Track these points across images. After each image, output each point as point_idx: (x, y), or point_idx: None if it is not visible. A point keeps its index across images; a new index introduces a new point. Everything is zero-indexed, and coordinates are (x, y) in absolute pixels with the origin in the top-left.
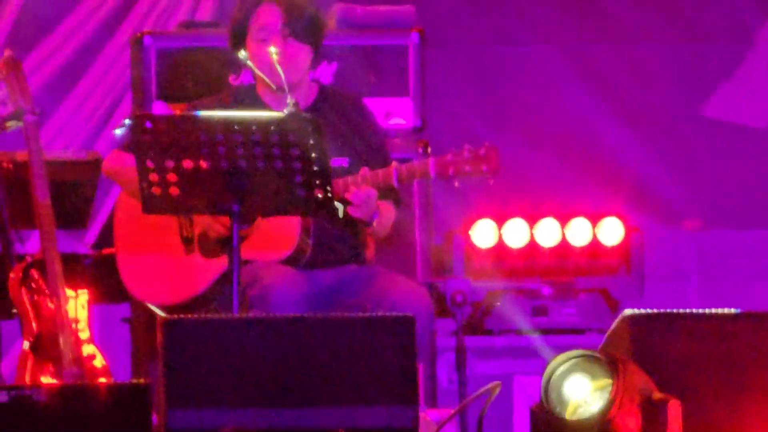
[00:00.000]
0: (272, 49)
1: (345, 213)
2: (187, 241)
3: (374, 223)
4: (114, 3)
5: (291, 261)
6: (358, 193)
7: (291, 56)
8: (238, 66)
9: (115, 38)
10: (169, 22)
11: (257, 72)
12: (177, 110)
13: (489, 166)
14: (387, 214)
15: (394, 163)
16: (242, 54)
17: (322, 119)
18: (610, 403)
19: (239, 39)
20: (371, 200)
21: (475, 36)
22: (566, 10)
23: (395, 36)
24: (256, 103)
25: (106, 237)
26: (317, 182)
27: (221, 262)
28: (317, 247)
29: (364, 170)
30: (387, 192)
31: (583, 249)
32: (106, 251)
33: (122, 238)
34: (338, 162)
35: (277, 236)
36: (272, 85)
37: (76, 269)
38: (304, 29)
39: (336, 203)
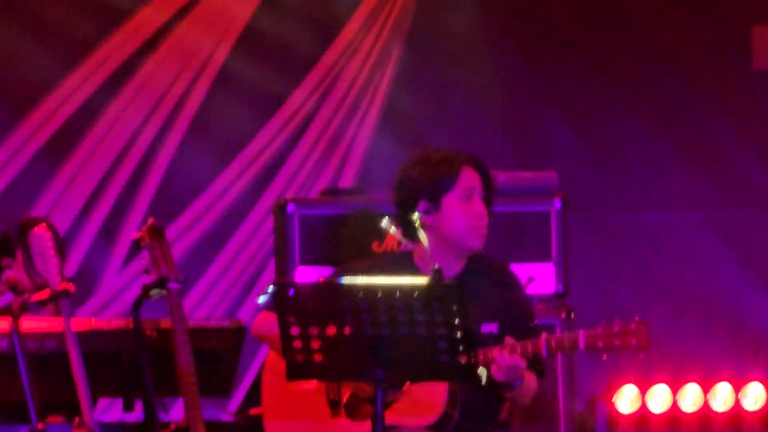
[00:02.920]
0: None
1: (489, 379)
2: (334, 404)
3: (516, 391)
4: (257, 170)
5: (436, 427)
6: (505, 357)
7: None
8: (381, 233)
9: (259, 205)
10: (312, 189)
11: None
12: (321, 275)
13: (639, 341)
14: (530, 384)
15: (543, 335)
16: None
17: (472, 285)
18: None
19: (435, 196)
20: (518, 369)
21: (616, 202)
22: (705, 176)
23: (538, 202)
24: (408, 269)
25: (252, 399)
26: (461, 348)
27: (366, 427)
28: (462, 414)
29: (510, 339)
30: (532, 363)
31: (726, 415)
32: (252, 412)
33: (269, 400)
34: (488, 328)
35: (423, 402)
36: (468, 245)
37: None
38: (492, 196)
39: (480, 369)
